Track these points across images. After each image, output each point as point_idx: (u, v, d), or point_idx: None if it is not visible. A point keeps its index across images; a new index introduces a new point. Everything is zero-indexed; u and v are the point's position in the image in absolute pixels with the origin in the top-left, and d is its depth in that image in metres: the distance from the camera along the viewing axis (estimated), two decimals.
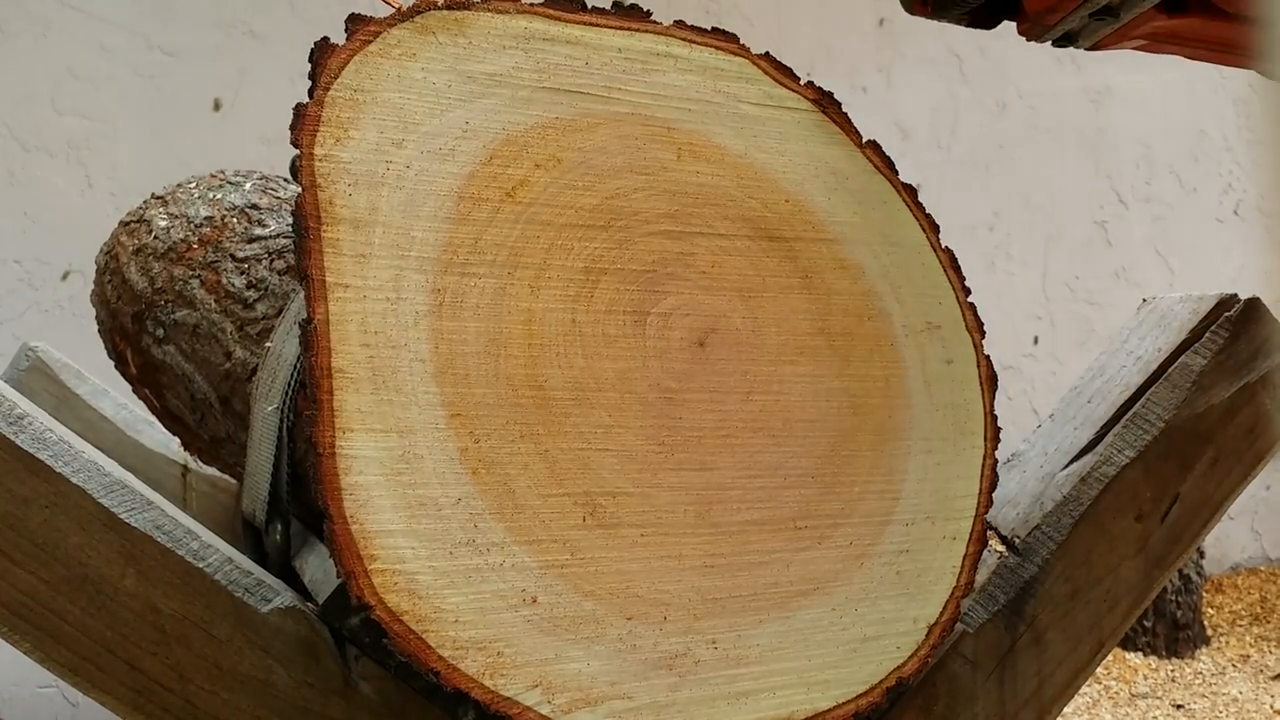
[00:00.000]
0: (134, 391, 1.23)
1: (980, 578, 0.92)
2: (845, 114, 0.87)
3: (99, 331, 1.23)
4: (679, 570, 0.75)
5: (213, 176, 1.13)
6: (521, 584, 0.70)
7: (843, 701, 0.79)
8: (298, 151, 0.70)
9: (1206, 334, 0.98)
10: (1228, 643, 2.80)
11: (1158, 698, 2.48)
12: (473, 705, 0.69)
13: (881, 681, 0.80)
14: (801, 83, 0.87)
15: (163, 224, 1.08)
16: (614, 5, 0.82)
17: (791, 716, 0.77)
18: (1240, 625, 2.94)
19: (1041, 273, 3.24)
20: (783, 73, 0.86)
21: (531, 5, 0.78)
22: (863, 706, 0.79)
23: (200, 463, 1.30)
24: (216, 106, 2.29)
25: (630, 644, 0.73)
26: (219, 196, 1.08)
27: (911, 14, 0.86)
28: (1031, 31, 0.87)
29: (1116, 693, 2.50)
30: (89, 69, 2.20)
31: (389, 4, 0.75)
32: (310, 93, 0.71)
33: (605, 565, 0.73)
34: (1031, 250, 3.21)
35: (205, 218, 1.06)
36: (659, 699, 0.73)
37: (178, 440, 1.27)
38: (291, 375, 0.89)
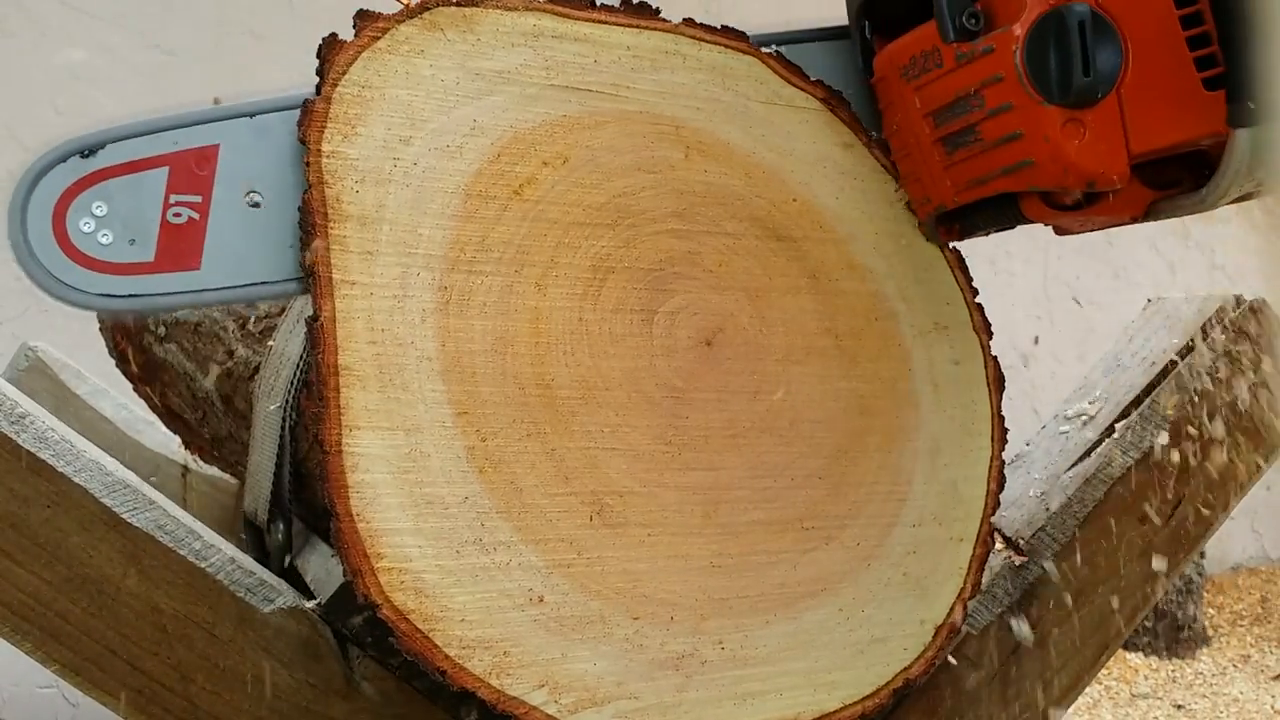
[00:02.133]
0: (135, 390, 1.23)
1: (984, 579, 0.92)
2: (854, 113, 0.87)
3: (100, 329, 1.23)
4: (686, 570, 0.75)
5: None
6: (528, 583, 0.70)
7: (849, 703, 0.78)
8: (304, 148, 0.70)
9: (1211, 334, 0.97)
10: (1228, 643, 2.80)
11: (1158, 698, 2.48)
12: (478, 704, 0.69)
13: (889, 683, 0.80)
14: (810, 81, 0.86)
15: None
16: (623, 2, 0.81)
17: (798, 718, 0.77)
18: (1241, 625, 2.94)
19: (1042, 273, 3.24)
20: (792, 71, 0.85)
21: (540, 2, 0.78)
22: (869, 708, 0.79)
23: (200, 462, 1.29)
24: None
25: (637, 644, 0.72)
26: None
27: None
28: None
29: (1117, 693, 2.50)
30: (89, 69, 2.20)
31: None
32: (317, 89, 0.71)
33: (612, 565, 0.72)
34: (1032, 250, 3.21)
35: None
36: (665, 699, 0.73)
37: (178, 440, 1.27)
38: (294, 374, 0.89)
